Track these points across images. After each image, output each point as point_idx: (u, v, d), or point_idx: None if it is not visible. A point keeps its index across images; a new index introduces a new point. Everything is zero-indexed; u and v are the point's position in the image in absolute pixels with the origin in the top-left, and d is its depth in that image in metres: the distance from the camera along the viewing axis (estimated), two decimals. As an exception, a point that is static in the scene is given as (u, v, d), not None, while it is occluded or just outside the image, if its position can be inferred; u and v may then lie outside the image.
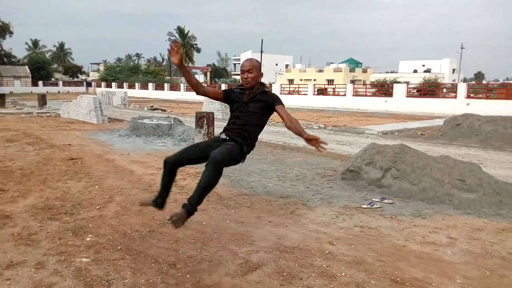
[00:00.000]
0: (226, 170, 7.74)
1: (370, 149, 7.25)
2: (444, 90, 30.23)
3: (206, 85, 49.83)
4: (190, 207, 3.12)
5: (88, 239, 4.40)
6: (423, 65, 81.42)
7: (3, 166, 8.07)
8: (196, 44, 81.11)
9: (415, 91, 30.39)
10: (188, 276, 3.62)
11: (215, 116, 12.07)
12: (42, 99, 25.36)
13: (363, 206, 5.70)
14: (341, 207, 5.70)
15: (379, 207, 5.66)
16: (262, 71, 3.29)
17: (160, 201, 3.52)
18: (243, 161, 3.45)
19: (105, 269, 3.68)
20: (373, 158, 6.94)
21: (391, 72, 78.49)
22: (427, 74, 62.93)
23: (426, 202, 5.88)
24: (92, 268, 3.69)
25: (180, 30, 79.57)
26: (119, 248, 4.19)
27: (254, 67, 3.22)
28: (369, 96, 31.79)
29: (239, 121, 3.36)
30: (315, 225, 4.96)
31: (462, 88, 25.19)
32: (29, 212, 5.28)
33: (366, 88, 34.00)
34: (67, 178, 7.14)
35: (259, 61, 3.42)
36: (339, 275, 3.63)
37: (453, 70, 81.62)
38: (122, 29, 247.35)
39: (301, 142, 12.30)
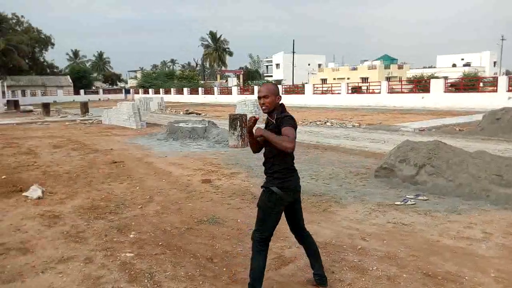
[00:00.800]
0: (258, 168, 7.92)
1: (404, 146, 7.20)
2: (481, 84, 29.06)
3: (240, 88, 50.62)
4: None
5: (131, 235, 4.69)
6: (462, 59, 78.66)
7: (51, 170, 8.61)
8: (228, 48, 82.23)
9: (450, 86, 29.39)
10: (224, 269, 3.81)
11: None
12: (84, 107, 26.56)
13: (397, 203, 5.71)
14: (374, 204, 5.74)
15: (413, 204, 5.65)
16: (279, 94, 3.14)
17: None
18: (282, 196, 3.09)
19: (147, 263, 3.94)
20: (407, 155, 6.91)
21: (429, 67, 76.33)
22: (466, 68, 60.72)
23: (462, 198, 5.81)
24: (136, 262, 3.96)
25: (212, 35, 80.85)
26: (160, 244, 4.44)
27: (270, 92, 3.08)
28: (405, 92, 31.07)
29: (265, 160, 3.20)
30: (347, 222, 5.04)
31: (503, 81, 24.20)
32: (77, 212, 5.67)
33: (401, 84, 33.24)
34: (110, 180, 7.55)
35: (275, 84, 3.32)
36: (371, 269, 3.71)
37: (494, 63, 78.39)
38: (157, 36, 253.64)
39: (333, 141, 12.32)
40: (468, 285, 3.37)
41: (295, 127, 2.95)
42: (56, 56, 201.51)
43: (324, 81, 66.43)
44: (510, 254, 3.95)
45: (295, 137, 2.89)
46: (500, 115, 12.19)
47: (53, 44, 66.39)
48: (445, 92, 27.28)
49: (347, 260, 3.90)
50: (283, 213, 3.23)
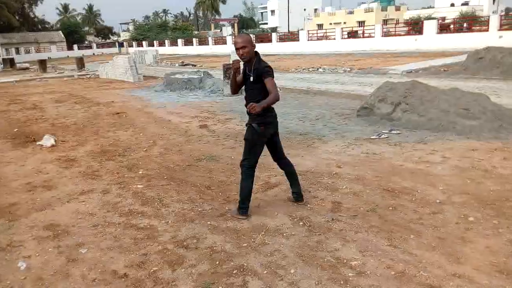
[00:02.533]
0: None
1: (384, 86, 7.81)
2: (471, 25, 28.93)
3: (234, 35, 49.84)
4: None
5: (140, 172, 5.43)
6: (461, -3, 76.74)
7: (58, 122, 9.26)
8: (221, -5, 79.88)
9: (442, 28, 29.31)
10: (220, 193, 4.57)
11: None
12: (80, 62, 26.72)
13: (372, 137, 6.42)
14: (352, 139, 6.45)
15: (386, 137, 6.36)
16: (254, 44, 3.57)
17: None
18: (263, 131, 3.65)
19: (156, 192, 4.69)
20: (385, 94, 7.53)
21: (428, 8, 74.59)
22: (464, 8, 59.54)
23: (432, 131, 6.50)
24: (146, 191, 4.72)
25: (204, -19, 78.28)
26: (165, 177, 5.19)
27: (246, 42, 3.47)
28: (399, 35, 31.03)
29: (246, 102, 3.63)
30: (327, 154, 5.76)
31: (493, 21, 24.25)
32: (89, 156, 6.39)
33: (395, 27, 33.08)
34: (115, 129, 8.22)
35: (249, 34, 3.75)
36: (341, 188, 4.46)
37: (493, 0, 76.50)
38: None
39: (323, 86, 12.87)
40: (419, 196, 4.12)
41: (273, 76, 3.49)
42: (46, 11, 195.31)
43: (320, 26, 65.23)
44: (460, 172, 4.70)
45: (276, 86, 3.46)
46: (483, 54, 12.65)
47: (41, -1, 64.66)
48: (437, 33, 27.31)
49: (322, 183, 4.65)
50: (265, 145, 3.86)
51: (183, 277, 2.96)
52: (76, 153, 6.58)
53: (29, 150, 6.94)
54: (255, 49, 3.60)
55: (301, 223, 3.69)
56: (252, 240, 3.44)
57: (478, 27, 27.53)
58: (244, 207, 3.86)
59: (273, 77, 3.50)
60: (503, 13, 42.58)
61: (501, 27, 24.41)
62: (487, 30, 24.81)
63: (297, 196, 4.13)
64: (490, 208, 3.75)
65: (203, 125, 8.11)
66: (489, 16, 26.33)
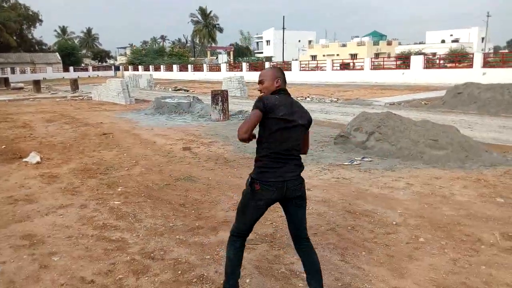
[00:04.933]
0: (234, 139, 8.88)
1: (360, 116, 8.19)
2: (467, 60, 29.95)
3: (229, 64, 50.79)
4: None
5: (119, 189, 5.66)
6: (451, 35, 79.20)
7: (46, 141, 9.49)
8: (218, 24, 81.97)
9: (428, 63, 30.34)
10: (193, 211, 4.80)
11: (232, 94, 13.15)
12: (74, 84, 27.11)
13: (345, 163, 6.72)
14: (326, 165, 6.75)
15: (358, 164, 6.67)
16: (277, 79, 2.77)
17: None
18: (257, 190, 2.66)
19: (131, 208, 4.92)
20: (361, 124, 7.90)
21: (419, 43, 76.78)
22: (453, 45, 61.45)
23: (401, 159, 6.83)
24: (122, 207, 4.94)
25: (202, 11, 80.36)
26: (142, 195, 5.41)
27: (265, 77, 2.80)
28: (387, 69, 31.98)
29: None
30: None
31: (477, 58, 25.19)
32: (72, 173, 6.61)
33: (383, 61, 34.10)
34: (101, 149, 8.46)
35: (275, 68, 2.88)
36: (307, 208, 4.71)
37: (482, 39, 79.12)
38: (147, 12, 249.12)
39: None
40: (377, 218, 4.39)
41: (258, 107, 2.61)
42: (45, 33, 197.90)
43: (314, 57, 66.78)
44: (419, 198, 4.99)
45: (250, 120, 2.57)
46: (461, 89, 13.21)
47: (41, 21, 66.00)
48: (424, 68, 28.22)
49: (290, 204, 4.90)
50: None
51: (146, 285, 3.17)
52: (59, 170, 6.79)
53: (15, 166, 7.13)
54: (280, 86, 2.79)
55: (265, 239, 3.93)
56: (216, 253, 3.67)
57: (463, 64, 28.48)
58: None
59: (255, 107, 2.63)
60: (489, 51, 44.10)
61: (485, 65, 25.32)
62: (471, 67, 25.71)
63: None
64: (441, 231, 4.02)
65: (186, 148, 8.38)
66: (473, 54, 27.30)
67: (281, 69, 2.89)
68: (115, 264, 3.50)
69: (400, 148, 7.08)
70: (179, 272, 3.33)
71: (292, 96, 2.81)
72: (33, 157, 7.40)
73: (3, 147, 8.80)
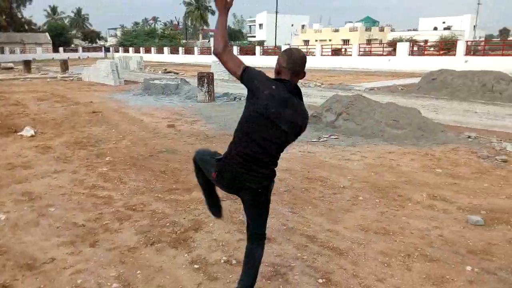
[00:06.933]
0: (217, 118, 9.55)
1: (332, 98, 8.89)
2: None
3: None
4: None
5: (107, 159, 6.32)
6: (444, 22, 79.83)
7: (39, 118, 10.06)
8: (210, 6, 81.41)
9: (416, 50, 31.07)
10: (172, 177, 5.49)
11: (220, 77, 13.73)
12: (64, 65, 27.36)
13: (313, 140, 7.44)
14: (296, 141, 7.44)
15: (325, 141, 7.39)
16: (295, 62, 2.37)
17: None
18: (214, 178, 2.56)
19: (117, 173, 5.59)
20: (332, 105, 8.60)
21: (413, 30, 77.26)
22: (445, 32, 62.13)
23: (364, 137, 7.57)
24: (109, 173, 5.61)
25: (195, -8, 79.80)
26: (127, 164, 6.08)
27: (284, 56, 2.40)
28: (375, 55, 32.63)
29: None
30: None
31: (460, 46, 25.94)
32: (64, 145, 7.25)
33: (371, 47, 34.72)
34: (90, 125, 9.08)
35: (298, 51, 2.45)
36: (271, 175, 5.43)
37: (474, 26, 79.87)
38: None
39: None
40: (329, 183, 5.13)
41: (246, 67, 2.34)
42: (35, 13, 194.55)
43: (306, 42, 67.01)
44: (369, 168, 5.74)
45: (234, 59, 2.33)
46: (436, 76, 13.95)
47: (30, 0, 65.06)
48: (409, 55, 28.94)
49: (257, 171, 5.62)
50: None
51: (128, 227, 3.88)
52: (52, 143, 7.42)
53: (11, 139, 7.74)
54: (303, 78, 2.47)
55: (230, 197, 4.64)
56: (187, 206, 4.38)
57: (447, 52, 29.24)
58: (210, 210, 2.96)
59: (245, 66, 2.35)
60: (479, 39, 44.98)
61: (467, 53, 26.08)
62: (454, 55, 26.48)
63: None
64: (379, 192, 4.77)
65: (170, 125, 9.03)
66: (456, 42, 28.03)
67: (304, 57, 2.40)
68: (102, 214, 4.19)
69: (364, 127, 7.81)
70: (156, 219, 4.04)
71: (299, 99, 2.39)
72: (28, 131, 8.01)
73: (-2, 122, 9.37)
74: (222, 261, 3.24)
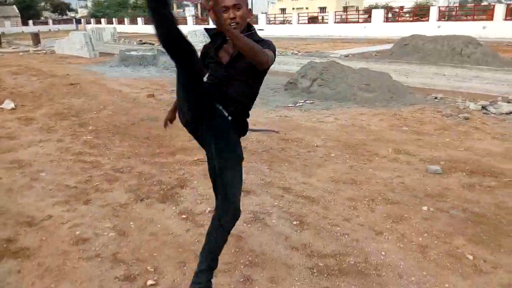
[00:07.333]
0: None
1: (307, 65, 9.18)
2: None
3: (196, 18, 49.89)
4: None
5: (90, 128, 6.51)
6: (421, -12, 79.84)
7: (16, 91, 10.04)
8: (184, -25, 79.03)
9: (392, 16, 31.36)
10: (155, 142, 5.75)
11: (199, 48, 13.76)
12: (36, 38, 26.63)
13: (289, 105, 7.77)
14: (274, 106, 7.78)
15: (300, 105, 7.73)
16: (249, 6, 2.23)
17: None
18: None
19: (102, 140, 5.82)
20: (307, 72, 8.90)
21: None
22: (422, -3, 62.35)
23: (337, 101, 7.93)
24: (94, 140, 5.83)
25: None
26: (111, 132, 6.30)
27: (243, 1, 2.12)
28: (350, 22, 32.79)
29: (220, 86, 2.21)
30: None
31: (433, 12, 26.37)
32: (45, 116, 7.37)
33: (347, 15, 34.82)
34: (70, 97, 9.15)
35: None
36: (250, 138, 5.76)
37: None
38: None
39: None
40: (304, 143, 5.49)
41: (271, 55, 2.14)
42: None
43: (283, 11, 66.26)
44: (341, 128, 6.13)
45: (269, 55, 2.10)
46: (408, 41, 14.34)
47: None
48: (384, 22, 29.23)
49: (236, 135, 5.94)
50: None
51: (117, 187, 4.17)
52: (34, 114, 7.53)
53: (-10, 112, 7.80)
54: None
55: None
56: (172, 167, 4.68)
57: (421, 18, 29.63)
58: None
59: (270, 51, 2.16)
60: (454, 5, 45.51)
61: (440, 18, 26.55)
62: (428, 20, 26.91)
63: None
64: (349, 149, 5.17)
65: (150, 95, 9.19)
66: (429, 8, 28.42)
67: None
68: (92, 176, 4.46)
69: (338, 92, 8.16)
70: (143, 179, 4.34)
71: None
72: (8, 104, 8.06)
73: (-25, 96, 9.32)
74: (207, 211, 3.59)
